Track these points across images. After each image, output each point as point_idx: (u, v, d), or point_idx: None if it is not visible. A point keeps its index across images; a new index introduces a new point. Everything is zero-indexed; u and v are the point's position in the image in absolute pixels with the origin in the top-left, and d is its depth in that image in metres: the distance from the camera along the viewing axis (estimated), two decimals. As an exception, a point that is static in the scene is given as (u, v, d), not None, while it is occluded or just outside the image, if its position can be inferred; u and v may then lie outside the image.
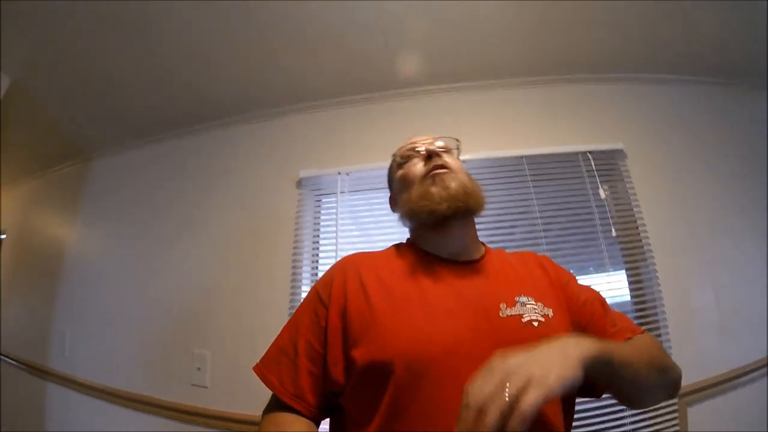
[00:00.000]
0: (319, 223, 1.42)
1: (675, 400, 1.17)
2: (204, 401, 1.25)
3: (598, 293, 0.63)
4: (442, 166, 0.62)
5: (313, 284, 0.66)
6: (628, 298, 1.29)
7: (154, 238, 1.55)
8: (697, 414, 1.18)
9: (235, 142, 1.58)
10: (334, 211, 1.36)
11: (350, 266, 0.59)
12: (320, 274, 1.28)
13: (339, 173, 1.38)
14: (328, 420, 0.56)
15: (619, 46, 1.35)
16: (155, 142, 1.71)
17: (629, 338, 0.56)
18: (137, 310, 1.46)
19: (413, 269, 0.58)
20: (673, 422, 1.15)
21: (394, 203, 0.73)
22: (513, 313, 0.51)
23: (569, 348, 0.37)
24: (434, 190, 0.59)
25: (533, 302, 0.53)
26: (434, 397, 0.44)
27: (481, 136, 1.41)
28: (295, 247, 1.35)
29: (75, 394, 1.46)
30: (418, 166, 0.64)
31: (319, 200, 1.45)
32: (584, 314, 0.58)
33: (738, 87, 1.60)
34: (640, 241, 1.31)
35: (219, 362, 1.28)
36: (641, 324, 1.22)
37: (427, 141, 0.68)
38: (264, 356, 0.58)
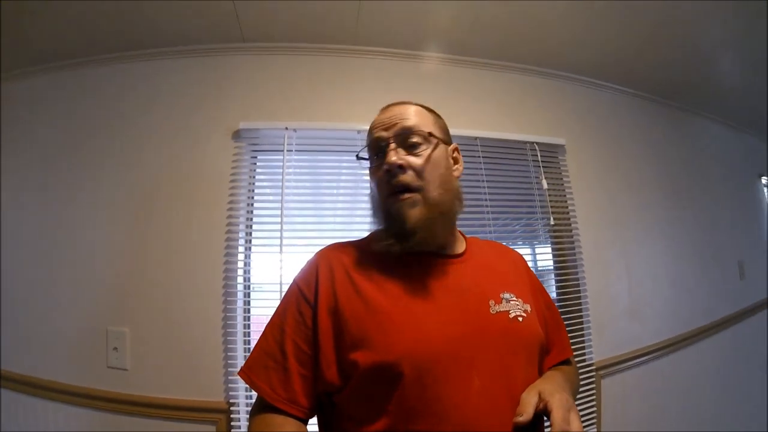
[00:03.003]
0: (254, 183, 1.28)
1: (592, 374, 1.32)
2: (124, 386, 1.13)
3: (554, 305, 0.71)
4: (405, 189, 0.55)
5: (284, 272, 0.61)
6: (555, 282, 1.41)
7: (51, 192, 1.28)
8: (610, 384, 1.37)
9: (159, 78, 1.34)
10: (279, 171, 1.24)
11: (335, 261, 0.57)
12: (255, 241, 1.24)
13: (286, 128, 1.26)
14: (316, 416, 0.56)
15: (572, 48, 1.43)
16: (54, 70, 1.36)
17: (567, 358, 0.66)
18: (34, 278, 1.24)
19: (405, 266, 0.56)
20: (590, 391, 1.31)
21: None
22: (501, 310, 0.54)
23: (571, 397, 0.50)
24: (388, 226, 0.56)
25: (515, 298, 0.57)
26: (440, 394, 0.46)
27: (438, 110, 1.38)
28: (230, 209, 1.23)
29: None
30: (383, 183, 0.57)
31: (255, 156, 1.30)
32: (542, 319, 0.62)
33: (668, 107, 1.87)
34: (570, 231, 1.43)
35: (140, 341, 1.15)
36: (566, 307, 1.36)
37: (390, 135, 0.58)
38: (249, 360, 0.55)
